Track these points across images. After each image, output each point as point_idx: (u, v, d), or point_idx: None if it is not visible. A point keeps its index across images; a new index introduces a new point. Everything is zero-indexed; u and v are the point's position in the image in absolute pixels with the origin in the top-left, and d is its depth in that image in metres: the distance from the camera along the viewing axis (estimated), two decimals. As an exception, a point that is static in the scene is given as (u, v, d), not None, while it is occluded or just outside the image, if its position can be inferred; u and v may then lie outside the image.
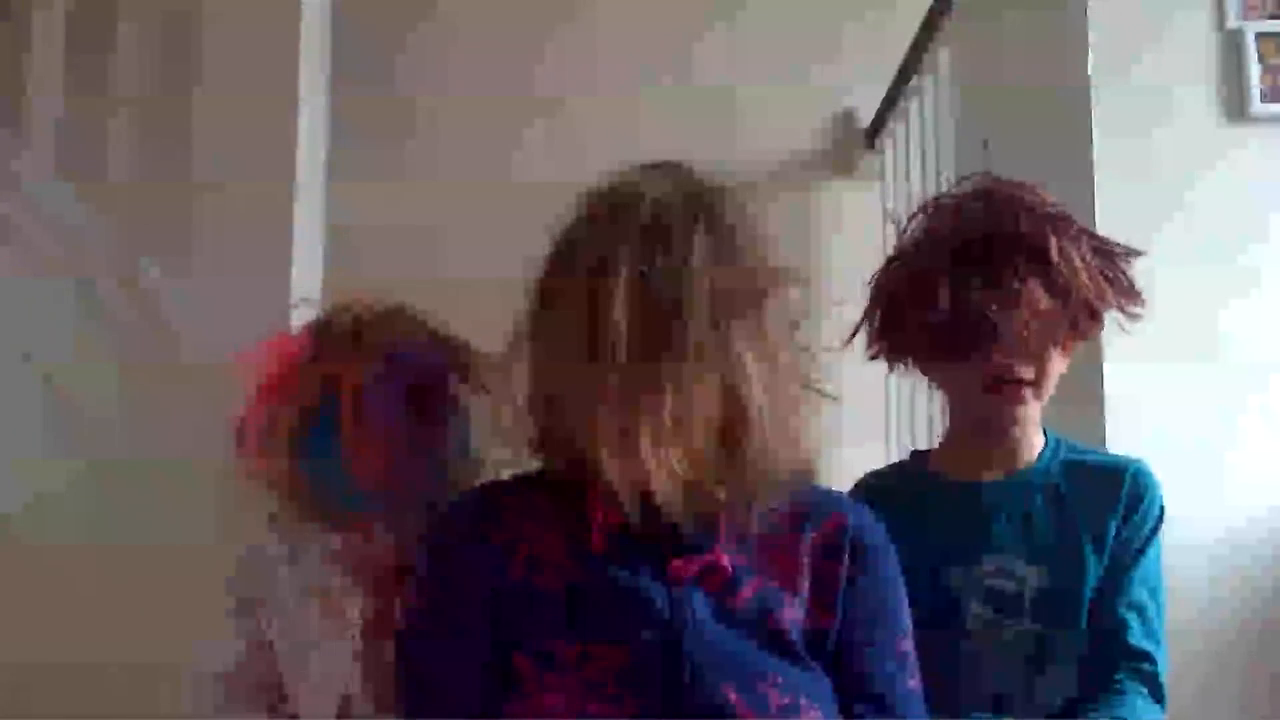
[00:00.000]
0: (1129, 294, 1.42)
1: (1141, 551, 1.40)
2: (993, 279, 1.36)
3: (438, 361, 1.40)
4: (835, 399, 1.21)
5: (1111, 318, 1.44)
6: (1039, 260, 1.36)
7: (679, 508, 1.13)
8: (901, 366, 1.50)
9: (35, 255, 2.26)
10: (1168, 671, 1.38)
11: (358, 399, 1.33)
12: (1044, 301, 1.36)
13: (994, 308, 1.35)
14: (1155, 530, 1.42)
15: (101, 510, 2.11)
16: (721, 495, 1.14)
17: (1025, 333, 1.36)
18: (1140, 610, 1.39)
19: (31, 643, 2.07)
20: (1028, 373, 1.38)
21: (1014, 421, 1.42)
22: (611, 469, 1.12)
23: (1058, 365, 1.41)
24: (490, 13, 3.12)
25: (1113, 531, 1.39)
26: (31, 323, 2.22)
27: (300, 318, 1.60)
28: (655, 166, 1.23)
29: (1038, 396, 1.41)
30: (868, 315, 1.48)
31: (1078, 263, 1.36)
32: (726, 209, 1.19)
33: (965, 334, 1.37)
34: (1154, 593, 1.40)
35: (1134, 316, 1.43)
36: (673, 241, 1.14)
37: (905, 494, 1.44)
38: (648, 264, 1.12)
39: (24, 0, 2.38)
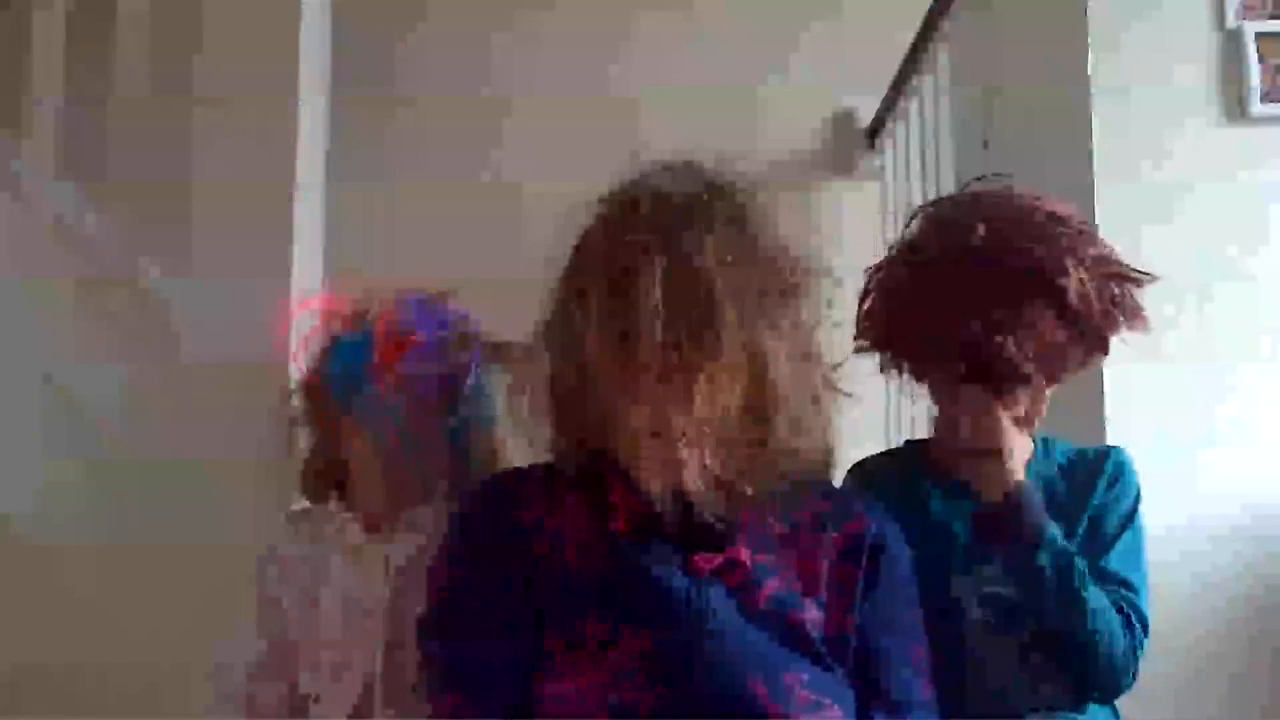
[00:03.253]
0: (1134, 315, 1.39)
1: (1119, 533, 1.39)
2: (1004, 304, 1.32)
3: (472, 333, 1.50)
4: (851, 397, 1.22)
5: None
6: (1054, 291, 1.31)
7: (710, 500, 1.14)
8: (895, 371, 1.48)
9: (35, 255, 2.26)
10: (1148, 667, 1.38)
11: (391, 328, 1.46)
12: (1055, 334, 1.32)
13: (1006, 340, 1.31)
14: (1133, 513, 1.41)
15: (102, 510, 2.11)
16: (748, 489, 1.15)
17: (1033, 368, 1.33)
18: (1125, 585, 1.37)
19: (31, 642, 2.07)
20: (1025, 407, 1.37)
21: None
22: (642, 464, 1.13)
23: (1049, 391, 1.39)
24: (489, 14, 3.11)
25: (1099, 514, 1.39)
26: (32, 323, 2.22)
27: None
28: (675, 165, 1.23)
29: (1029, 427, 1.40)
30: (864, 309, 1.45)
31: (1091, 293, 1.32)
32: (751, 206, 1.20)
33: (973, 362, 1.34)
34: (1137, 570, 1.39)
35: (1137, 333, 1.41)
36: (703, 237, 1.14)
37: (904, 488, 1.43)
38: (678, 259, 1.12)
39: (24, 0, 2.38)
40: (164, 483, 2.06)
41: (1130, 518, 1.41)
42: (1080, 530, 1.38)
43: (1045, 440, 1.46)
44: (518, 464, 1.34)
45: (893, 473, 1.47)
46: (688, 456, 1.11)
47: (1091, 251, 1.36)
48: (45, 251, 2.26)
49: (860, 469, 1.48)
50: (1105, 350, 1.40)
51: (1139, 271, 1.39)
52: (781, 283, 1.17)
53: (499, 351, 1.48)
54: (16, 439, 2.17)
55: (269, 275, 2.14)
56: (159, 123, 2.29)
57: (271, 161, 2.20)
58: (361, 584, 1.47)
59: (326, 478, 1.55)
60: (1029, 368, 1.33)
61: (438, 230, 2.89)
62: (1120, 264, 1.39)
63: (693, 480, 1.12)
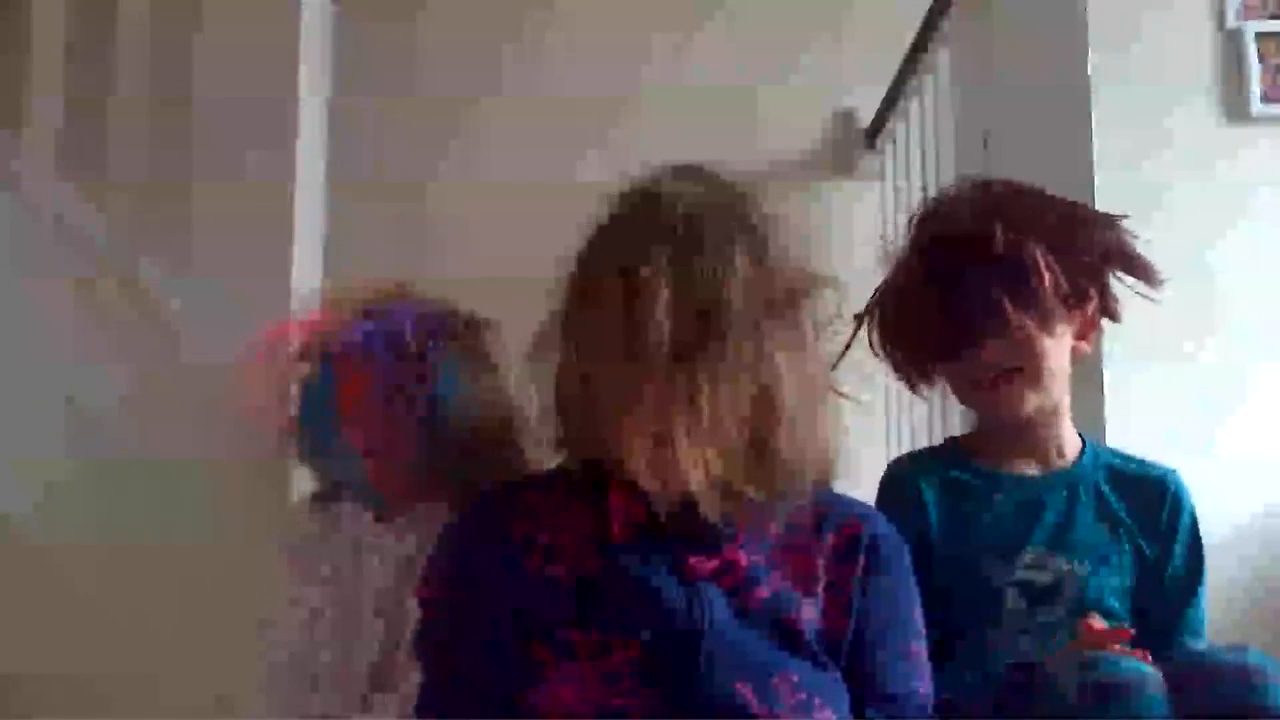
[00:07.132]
0: (1136, 265, 1.44)
1: (1198, 581, 1.44)
2: (966, 279, 1.38)
3: (418, 318, 1.46)
4: (857, 401, 1.24)
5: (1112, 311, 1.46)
6: (991, 253, 1.36)
7: (714, 506, 1.14)
8: (915, 380, 1.51)
9: (35, 255, 2.26)
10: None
11: (344, 357, 1.42)
12: (1015, 292, 1.36)
13: (969, 306, 1.37)
14: (1201, 553, 1.45)
15: (102, 510, 2.11)
16: (752, 493, 1.15)
17: (1000, 324, 1.36)
18: (1202, 637, 1.43)
19: (31, 642, 2.07)
20: (1013, 361, 1.39)
21: (1014, 414, 1.42)
22: (646, 468, 1.13)
23: (1057, 354, 1.41)
24: (489, 13, 3.12)
25: (1157, 551, 1.42)
26: (32, 323, 2.22)
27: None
28: (683, 169, 1.24)
29: (1034, 387, 1.40)
30: (868, 325, 1.49)
31: (1035, 251, 1.37)
32: (759, 213, 1.21)
33: (948, 335, 1.39)
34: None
35: (1155, 284, 1.45)
36: (712, 243, 1.16)
37: (946, 479, 1.45)
38: (688, 265, 1.14)
39: (24, 0, 2.38)
40: (164, 483, 2.06)
41: (1201, 570, 1.45)
42: (1126, 549, 1.41)
43: (1095, 444, 1.49)
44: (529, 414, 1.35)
45: (933, 464, 1.49)
46: (693, 460, 1.12)
47: (1038, 213, 1.41)
48: (45, 251, 2.26)
49: (899, 463, 1.51)
50: (1090, 301, 1.43)
51: (1106, 215, 1.45)
52: (790, 290, 1.18)
53: (458, 330, 1.48)
54: (16, 439, 2.17)
55: (269, 275, 2.14)
56: (159, 123, 2.29)
57: (271, 161, 2.20)
58: (366, 575, 1.47)
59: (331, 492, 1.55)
60: (1000, 325, 1.36)
61: (438, 230, 2.90)
62: (1087, 214, 1.45)
63: (698, 483, 1.12)
